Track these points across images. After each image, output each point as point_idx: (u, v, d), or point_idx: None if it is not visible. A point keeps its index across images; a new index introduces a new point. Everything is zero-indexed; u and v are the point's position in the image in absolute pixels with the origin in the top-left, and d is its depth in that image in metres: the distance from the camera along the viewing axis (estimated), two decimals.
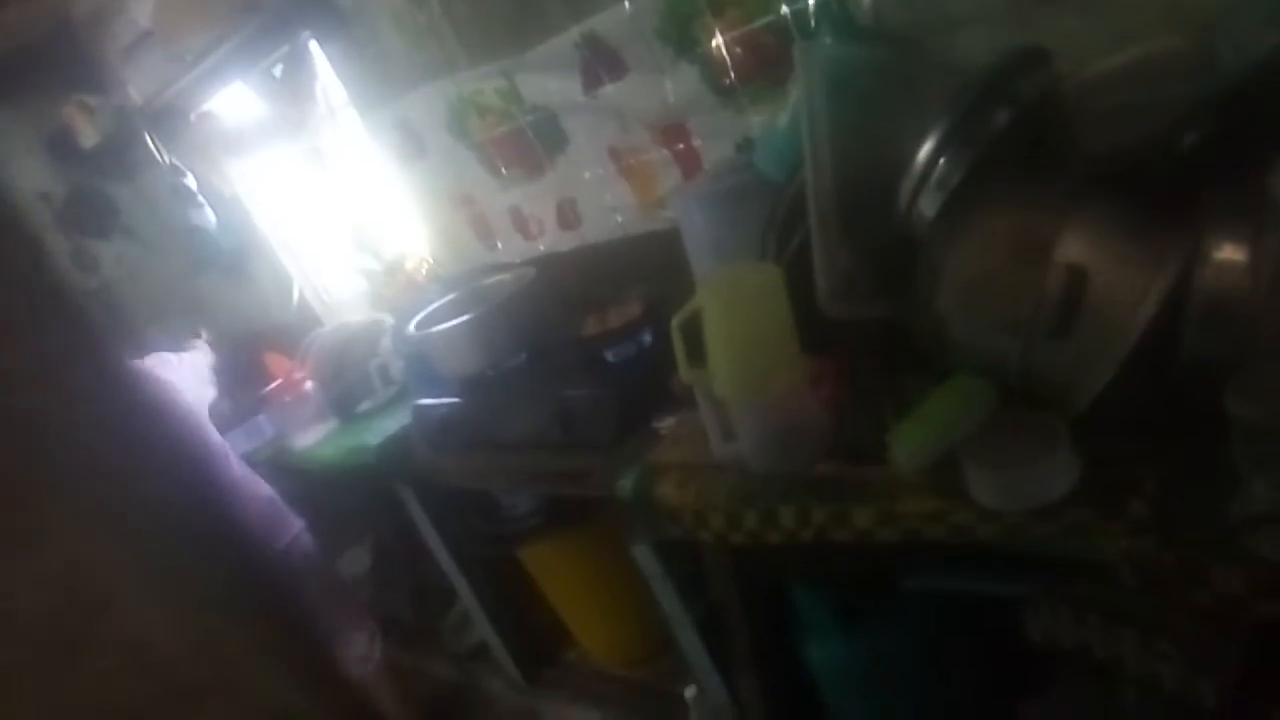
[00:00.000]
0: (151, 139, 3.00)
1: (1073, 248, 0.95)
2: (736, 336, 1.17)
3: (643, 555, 1.55)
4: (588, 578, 2.08)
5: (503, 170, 2.09)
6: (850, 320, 1.16)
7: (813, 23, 1.38)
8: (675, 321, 1.23)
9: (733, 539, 1.24)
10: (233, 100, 2.81)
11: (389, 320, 2.46)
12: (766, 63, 1.49)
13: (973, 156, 1.02)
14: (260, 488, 2.27)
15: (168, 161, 3.02)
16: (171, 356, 2.28)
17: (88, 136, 3.06)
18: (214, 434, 2.19)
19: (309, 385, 2.35)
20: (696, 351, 1.21)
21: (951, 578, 1.24)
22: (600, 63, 1.72)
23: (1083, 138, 1.06)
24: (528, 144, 1.98)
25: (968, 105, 1.03)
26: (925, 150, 1.04)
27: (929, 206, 1.05)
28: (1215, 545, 0.83)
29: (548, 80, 1.83)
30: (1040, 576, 1.10)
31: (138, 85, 2.91)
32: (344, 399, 2.36)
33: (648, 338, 1.68)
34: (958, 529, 1.02)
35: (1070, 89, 1.08)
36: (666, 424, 1.50)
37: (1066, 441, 0.96)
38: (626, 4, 1.60)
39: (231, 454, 2.26)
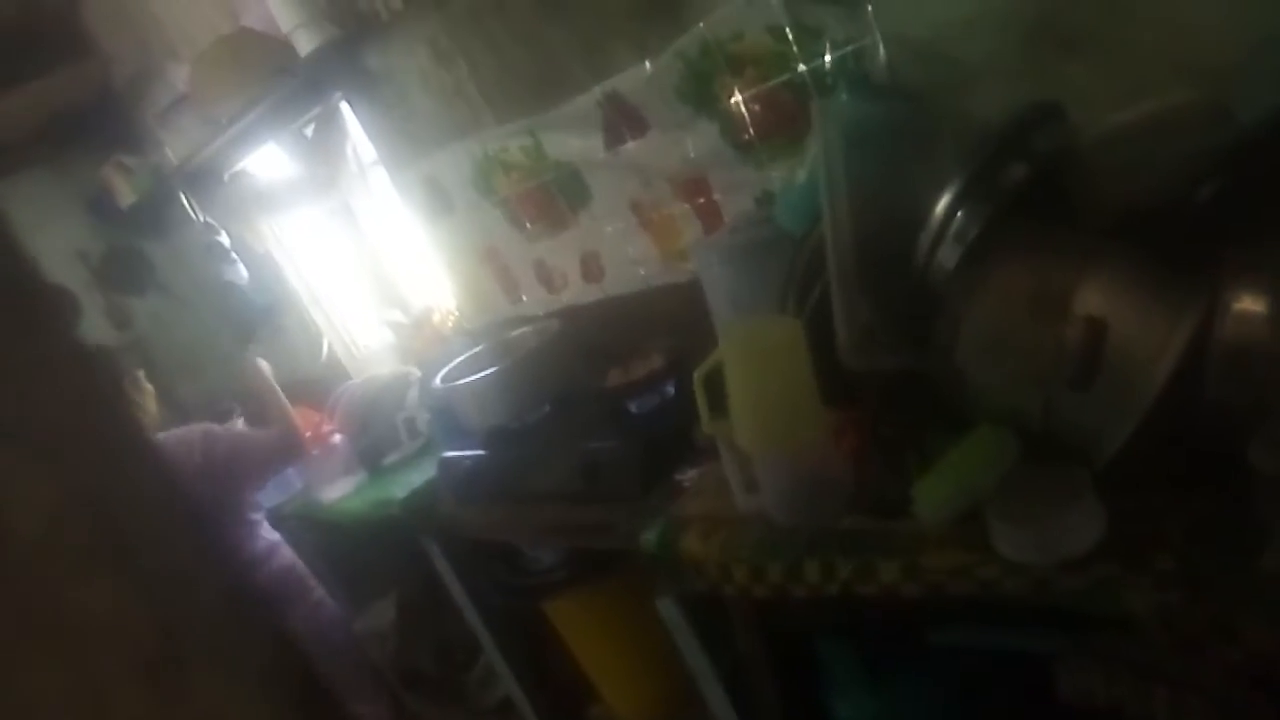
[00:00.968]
0: (186, 198, 3.08)
1: (1092, 300, 0.95)
2: (758, 389, 1.17)
3: (667, 609, 1.54)
4: (612, 632, 2.06)
5: (528, 225, 2.12)
6: (871, 372, 1.16)
7: (829, 80, 1.41)
8: (697, 374, 1.24)
9: (757, 592, 1.23)
10: (265, 160, 2.89)
11: (416, 373, 2.48)
12: (785, 119, 1.52)
13: (990, 210, 1.03)
14: (282, 557, 2.32)
15: (202, 220, 3.10)
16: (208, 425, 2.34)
17: (125, 196, 3.15)
18: (243, 506, 2.25)
19: (337, 438, 2.37)
20: (719, 403, 1.22)
21: (980, 632, 1.22)
22: (622, 120, 1.75)
23: (1099, 191, 1.06)
24: (552, 199, 2.01)
25: (984, 159, 1.04)
26: (943, 203, 1.05)
27: (947, 259, 1.05)
28: (1245, 600, 0.82)
29: (571, 137, 1.87)
30: (1070, 632, 1.09)
31: (174, 147, 3.00)
32: (371, 451, 2.38)
33: (670, 389, 1.69)
34: (984, 583, 1.01)
35: (1086, 143, 1.09)
36: (690, 476, 1.50)
37: (1091, 493, 0.95)
38: (647, 64, 1.63)
39: (255, 525, 2.31)
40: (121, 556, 0.35)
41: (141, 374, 2.42)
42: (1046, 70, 1.21)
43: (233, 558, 2.24)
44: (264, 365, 2.42)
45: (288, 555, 2.41)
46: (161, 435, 2.24)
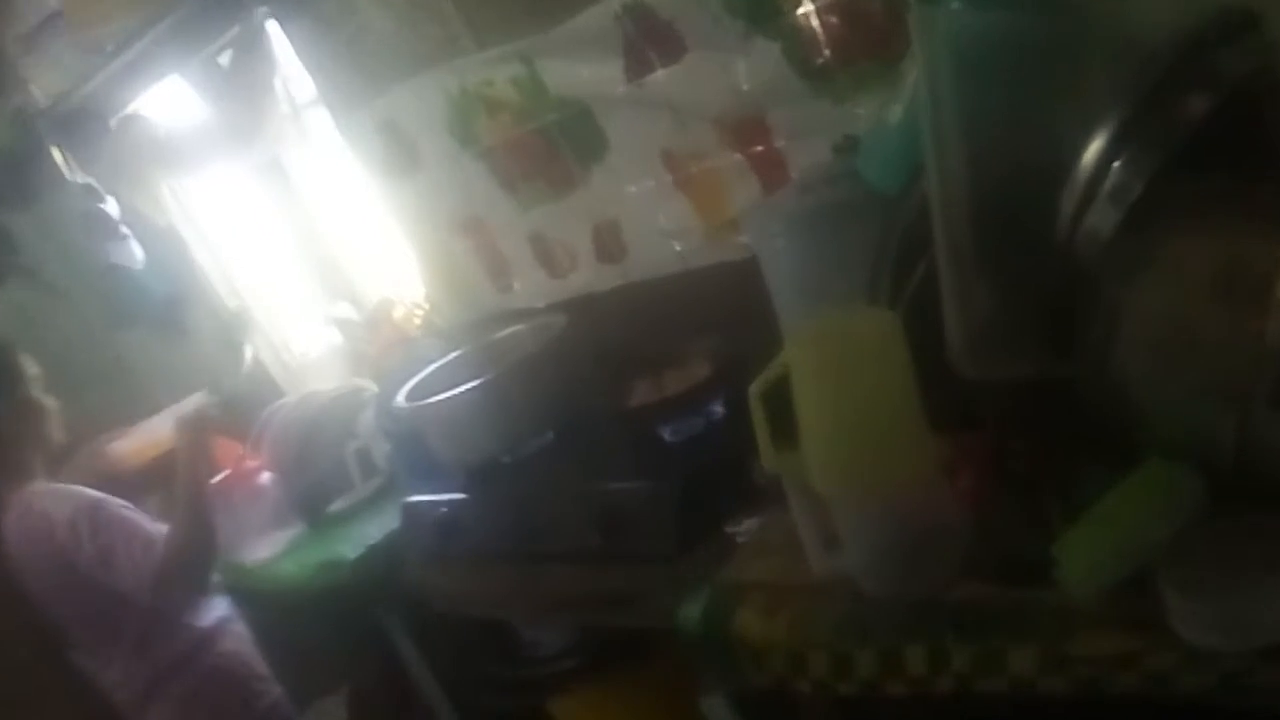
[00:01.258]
0: (60, 151, 3.11)
1: None
2: (840, 409, 1.17)
3: (716, 711, 1.54)
4: None
5: (520, 185, 2.13)
6: (995, 384, 1.15)
7: None
8: (755, 388, 1.23)
9: (841, 689, 1.23)
10: (167, 100, 2.92)
11: (371, 389, 2.50)
12: (873, 35, 1.51)
13: (1161, 158, 1.02)
14: (229, 640, 2.34)
15: (80, 181, 3.13)
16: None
17: None
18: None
19: (265, 477, 2.39)
20: (785, 429, 1.22)
21: None
22: (649, 40, 1.76)
23: None
24: (553, 150, 2.02)
25: (1152, 87, 1.03)
26: (1094, 150, 1.04)
27: (1102, 227, 1.04)
28: None
29: (579, 65, 1.88)
30: None
31: (42, 83, 3.03)
32: (311, 496, 2.40)
33: (718, 409, 1.69)
34: (1156, 677, 1.00)
35: None
36: (746, 528, 1.50)
37: None
38: None
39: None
40: None
41: (39, 379, 2.42)
42: None
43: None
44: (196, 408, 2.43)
45: (237, 637, 2.43)
46: (45, 502, 2.25)
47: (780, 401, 1.20)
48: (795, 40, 1.59)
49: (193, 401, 2.55)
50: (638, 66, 1.80)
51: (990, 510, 1.18)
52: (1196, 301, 1.01)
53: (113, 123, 3.04)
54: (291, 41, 2.39)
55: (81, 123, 3.02)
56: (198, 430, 2.33)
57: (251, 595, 2.37)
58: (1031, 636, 1.07)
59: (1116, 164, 1.03)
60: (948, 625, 1.13)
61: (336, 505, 2.39)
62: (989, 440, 1.22)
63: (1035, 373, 1.14)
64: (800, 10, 1.56)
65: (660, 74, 1.78)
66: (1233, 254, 1.00)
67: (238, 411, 2.70)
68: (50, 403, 2.40)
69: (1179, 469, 1.02)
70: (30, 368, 2.38)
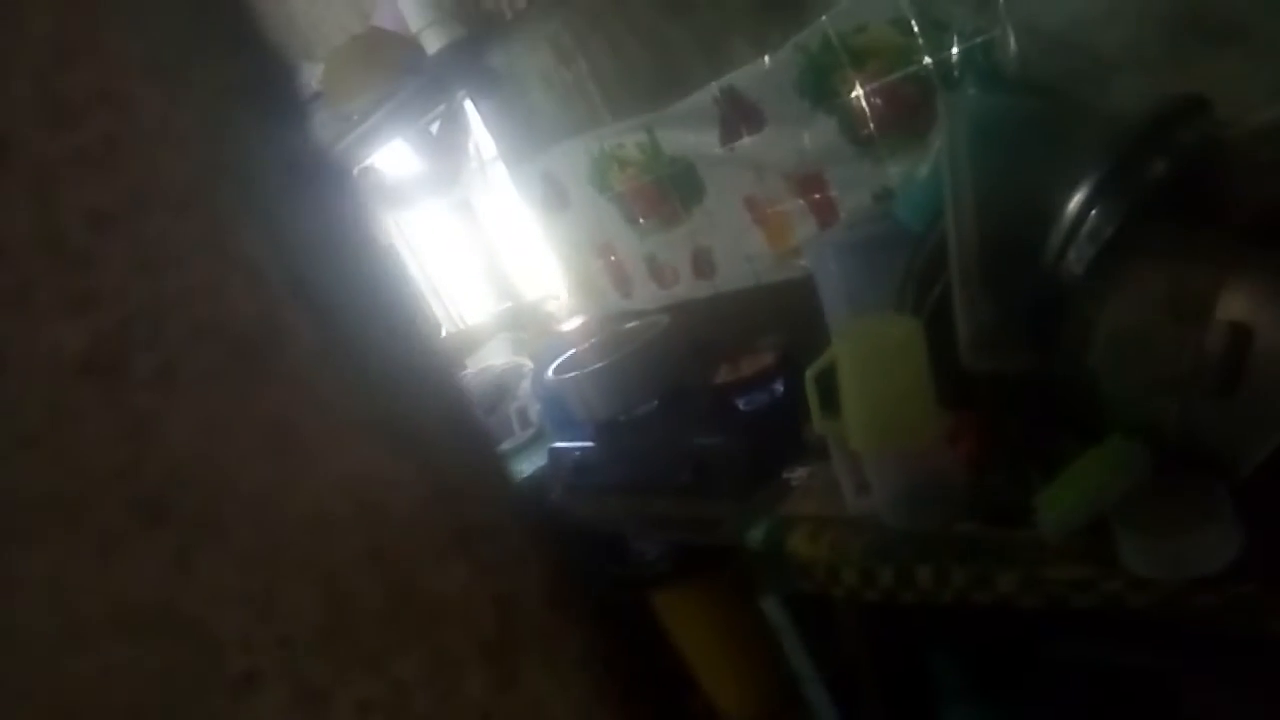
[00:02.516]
0: None
1: (1235, 305, 0.89)
2: (873, 390, 1.15)
3: (772, 609, 1.52)
4: (716, 627, 2.05)
5: (641, 220, 2.13)
6: (993, 374, 1.12)
7: (956, 73, 1.36)
8: (810, 372, 1.22)
9: (867, 596, 1.21)
10: (392, 156, 2.98)
11: (528, 365, 2.52)
12: (907, 113, 1.48)
13: (1127, 207, 0.98)
14: None
15: None
16: None
17: None
18: None
19: None
20: (830, 403, 1.20)
21: (1100, 648, 1.17)
22: (738, 116, 1.74)
23: (1246, 190, 1.00)
24: (665, 194, 2.01)
25: (1123, 153, 0.99)
26: (1076, 200, 1.01)
27: (1079, 258, 1.01)
28: None
29: (686, 133, 1.87)
30: (1198, 650, 1.02)
31: None
32: None
33: (780, 387, 1.67)
34: (1108, 597, 0.96)
35: (1232, 139, 1.02)
36: (798, 475, 1.48)
37: (1229, 509, 0.89)
38: (766, 59, 1.61)
39: None
40: (470, 543, 0.37)
41: None
42: (1191, 62, 1.14)
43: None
44: None
45: None
46: None
47: (828, 382, 1.18)
48: (847, 116, 1.56)
49: None
50: (730, 135, 1.78)
51: (985, 469, 1.15)
52: (1151, 317, 0.97)
53: (355, 171, 3.11)
54: (481, 115, 2.42)
55: None
56: None
57: None
58: (1014, 563, 1.04)
59: (1093, 211, 0.99)
60: (950, 553, 1.11)
61: (502, 448, 2.42)
62: (986, 417, 1.19)
63: (1024, 367, 1.10)
64: (853, 94, 1.53)
65: (746, 140, 1.76)
66: (1180, 282, 0.96)
67: None
68: None
69: (1132, 443, 0.98)
70: None
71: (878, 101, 1.50)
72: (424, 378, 0.38)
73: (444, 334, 3.10)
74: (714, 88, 1.73)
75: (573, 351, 2.13)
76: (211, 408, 0.32)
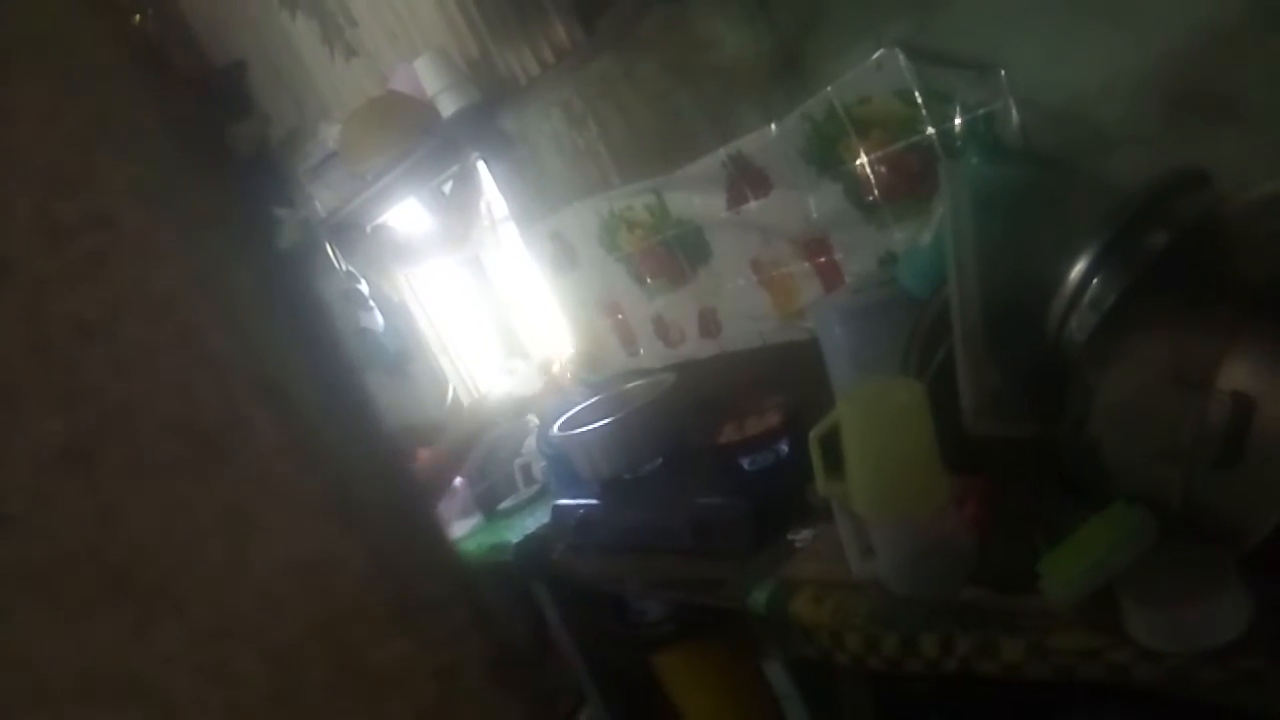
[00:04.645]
0: (331, 248, 3.23)
1: (1237, 376, 0.89)
2: (877, 453, 1.14)
3: (775, 673, 1.50)
4: (718, 690, 2.01)
5: (648, 280, 2.14)
6: (997, 440, 1.12)
7: (958, 143, 1.38)
8: (814, 433, 1.21)
9: (870, 663, 1.18)
10: (405, 214, 3.02)
11: (534, 421, 2.52)
12: (911, 181, 1.49)
13: (1128, 277, 0.98)
14: None
15: (344, 268, 3.24)
16: None
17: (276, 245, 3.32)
18: None
19: (457, 481, 2.42)
20: (835, 464, 1.19)
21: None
22: (746, 180, 1.76)
23: (1245, 262, 1.00)
24: (673, 256, 2.03)
25: (1124, 225, 1.00)
26: (1078, 269, 1.01)
27: (1082, 327, 1.01)
28: None
29: (694, 197, 1.89)
30: None
31: (322, 200, 3.16)
32: (488, 496, 2.42)
33: (785, 447, 1.66)
34: (1115, 668, 0.94)
35: (1231, 211, 1.03)
36: (802, 536, 1.46)
37: (1236, 580, 0.88)
38: (773, 127, 1.64)
39: None
40: (412, 618, 0.38)
41: None
42: (1190, 136, 1.16)
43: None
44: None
45: None
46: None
47: (832, 444, 1.18)
48: (853, 182, 1.58)
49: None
50: (737, 198, 1.80)
51: (990, 535, 1.14)
52: (1154, 387, 0.97)
53: (368, 229, 3.15)
54: (493, 176, 2.45)
55: (348, 229, 3.13)
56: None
57: None
58: (1020, 631, 1.02)
59: (1095, 280, 1.00)
60: (955, 620, 1.09)
61: (505, 504, 2.40)
62: (991, 482, 1.18)
63: (1028, 433, 1.10)
64: (857, 161, 1.55)
65: (753, 204, 1.77)
66: (1183, 354, 0.96)
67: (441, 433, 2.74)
68: None
69: (1138, 510, 0.97)
70: None
71: (882, 169, 1.52)
72: (373, 463, 0.41)
73: (462, 404, 3.10)
74: (721, 153, 1.76)
75: (578, 408, 2.12)
76: (174, 493, 0.34)
